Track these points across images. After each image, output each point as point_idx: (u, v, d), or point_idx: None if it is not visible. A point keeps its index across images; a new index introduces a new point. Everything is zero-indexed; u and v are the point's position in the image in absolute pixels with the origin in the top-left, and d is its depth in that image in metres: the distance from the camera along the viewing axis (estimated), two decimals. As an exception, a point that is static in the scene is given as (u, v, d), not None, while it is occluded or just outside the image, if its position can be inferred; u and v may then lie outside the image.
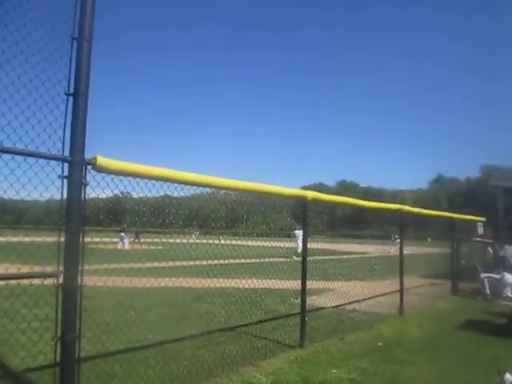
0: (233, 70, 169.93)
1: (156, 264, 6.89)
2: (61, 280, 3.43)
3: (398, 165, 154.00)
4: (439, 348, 6.17)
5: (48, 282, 3.51)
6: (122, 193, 4.80)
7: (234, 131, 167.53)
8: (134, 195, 4.76)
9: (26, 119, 3.43)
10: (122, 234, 29.32)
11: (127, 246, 28.24)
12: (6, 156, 3.27)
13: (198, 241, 6.92)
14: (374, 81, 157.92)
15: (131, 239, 29.89)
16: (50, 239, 3.88)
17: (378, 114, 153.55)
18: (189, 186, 4.84)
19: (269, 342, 6.02)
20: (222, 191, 7.96)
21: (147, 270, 6.65)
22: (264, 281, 7.15)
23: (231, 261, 7.51)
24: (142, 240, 29.87)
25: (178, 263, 6.68)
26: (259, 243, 6.79)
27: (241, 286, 6.13)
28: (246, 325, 6.63)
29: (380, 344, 6.31)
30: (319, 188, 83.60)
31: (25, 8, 3.43)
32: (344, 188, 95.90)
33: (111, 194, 4.43)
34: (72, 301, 3.45)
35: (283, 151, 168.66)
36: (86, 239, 3.56)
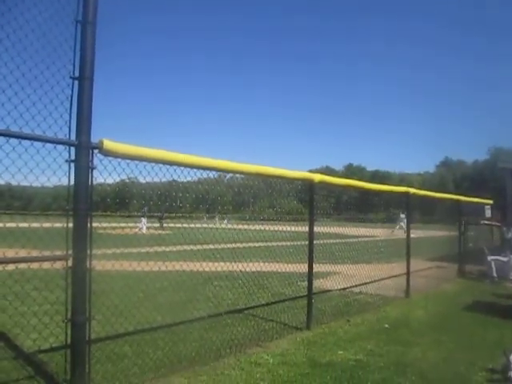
0: (240, 59, 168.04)
1: (165, 248, 6.96)
2: (70, 263, 3.48)
3: (404, 148, 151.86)
4: (445, 329, 6.20)
5: (57, 265, 3.56)
6: (129, 178, 4.81)
7: (241, 116, 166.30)
8: (142, 180, 4.75)
9: (32, 103, 3.45)
10: (143, 218, 29.35)
11: (145, 231, 28.25)
12: (13, 141, 3.29)
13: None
14: (379, 65, 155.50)
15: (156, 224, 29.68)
16: (58, 224, 3.91)
17: (385, 98, 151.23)
18: (195, 170, 4.84)
19: (276, 324, 6.09)
20: (229, 175, 7.97)
21: (156, 253, 6.74)
22: (271, 264, 7.19)
23: (238, 245, 7.57)
24: (164, 225, 29.94)
25: (186, 247, 6.71)
26: (266, 227, 6.77)
27: (248, 270, 6.16)
28: (253, 307, 6.70)
29: (386, 326, 6.36)
30: (326, 171, 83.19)
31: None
32: (351, 172, 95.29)
33: (118, 179, 4.45)
34: (81, 284, 3.50)
35: (290, 135, 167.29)
36: (96, 224, 3.59)
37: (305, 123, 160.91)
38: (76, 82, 3.55)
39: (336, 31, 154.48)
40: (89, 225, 3.56)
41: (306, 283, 6.26)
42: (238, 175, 6.34)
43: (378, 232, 11.17)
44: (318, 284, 6.72)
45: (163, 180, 4.76)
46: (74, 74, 3.57)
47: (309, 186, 6.23)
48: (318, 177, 6.25)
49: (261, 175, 5.53)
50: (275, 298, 7.36)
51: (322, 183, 6.42)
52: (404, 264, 8.96)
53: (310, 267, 6.16)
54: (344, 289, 8.49)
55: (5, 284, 3.85)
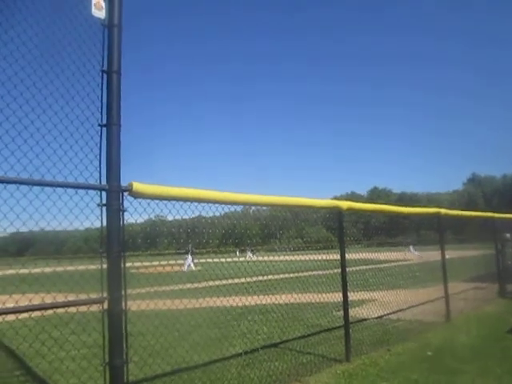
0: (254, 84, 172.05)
1: (197, 285, 6.95)
2: (106, 306, 3.51)
3: (430, 168, 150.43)
4: (491, 354, 5.90)
5: (94, 308, 3.60)
6: (156, 216, 4.90)
7: (261, 148, 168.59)
8: (169, 218, 4.83)
9: (64, 152, 3.57)
10: (188, 255, 29.29)
11: (194, 268, 28.17)
12: (48, 189, 3.41)
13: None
14: (403, 89, 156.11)
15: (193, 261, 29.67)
16: (92, 266, 3.98)
17: (407, 118, 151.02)
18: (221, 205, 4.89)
19: (314, 357, 5.93)
20: (253, 208, 7.97)
21: (188, 290, 6.70)
22: (303, 295, 7.08)
23: (270, 277, 7.50)
24: (195, 261, 30.02)
25: (216, 282, 6.69)
26: (295, 257, 6.70)
27: (281, 302, 6.08)
28: (289, 340, 6.56)
29: (429, 353, 6.11)
30: (351, 197, 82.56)
31: (57, 48, 3.61)
32: (376, 195, 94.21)
33: (146, 218, 4.53)
34: (118, 326, 3.52)
35: (313, 164, 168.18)
36: (128, 264, 3.63)
37: (327, 151, 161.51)
38: (104, 129, 3.68)
39: (353, 54, 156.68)
40: (122, 266, 3.61)
41: (341, 313, 6.11)
42: (264, 208, 6.36)
43: (410, 255, 10.88)
44: (353, 313, 6.55)
45: (190, 216, 4.84)
46: (101, 121, 3.71)
47: (337, 214, 6.18)
48: (345, 204, 6.20)
49: (288, 206, 5.53)
50: (311, 330, 7.20)
51: (351, 210, 6.36)
52: (441, 287, 8.66)
53: (345, 296, 6.04)
54: (381, 316, 8.23)
55: (44, 330, 3.90)
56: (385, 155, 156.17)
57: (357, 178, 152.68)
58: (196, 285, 6.91)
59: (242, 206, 5.75)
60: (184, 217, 4.71)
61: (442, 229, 9.47)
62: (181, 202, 4.34)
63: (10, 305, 3.20)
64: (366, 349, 6.32)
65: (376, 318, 8.06)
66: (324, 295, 6.81)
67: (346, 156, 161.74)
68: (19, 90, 3.29)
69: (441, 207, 10.08)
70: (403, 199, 79.77)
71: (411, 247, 28.78)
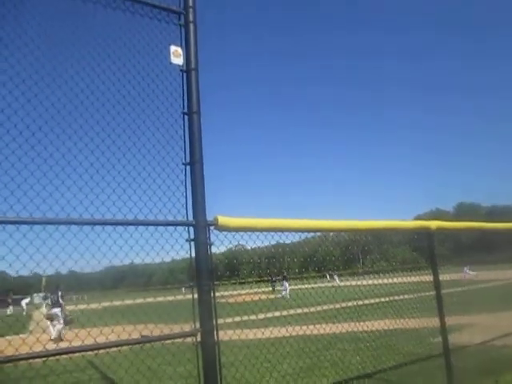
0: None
1: (285, 312, 6.93)
2: (199, 338, 3.60)
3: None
4: None
5: (187, 339, 3.70)
6: (236, 246, 5.00)
7: (337, 170, 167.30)
8: (248, 247, 4.91)
9: (153, 192, 3.81)
10: (285, 282, 29.13)
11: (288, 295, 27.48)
12: (141, 228, 3.64)
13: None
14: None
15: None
16: (180, 297, 4.13)
17: (490, 127, 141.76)
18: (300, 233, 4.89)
19: (412, 389, 5.56)
20: (332, 233, 7.81)
21: (275, 318, 6.68)
22: (394, 320, 6.73)
23: (357, 302, 7.24)
24: (276, 288, 29.87)
25: (300, 310, 6.60)
26: (381, 281, 6.43)
27: (372, 329, 5.83)
28: (383, 370, 6.23)
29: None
30: (436, 214, 78.18)
31: (142, 96, 3.91)
32: (463, 211, 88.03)
33: (226, 248, 4.65)
34: (211, 358, 3.59)
35: (391, 183, 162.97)
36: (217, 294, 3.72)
37: (404, 168, 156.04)
38: (188, 167, 3.88)
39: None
40: (212, 297, 3.70)
41: (438, 339, 5.71)
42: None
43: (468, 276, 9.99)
44: (452, 339, 6.09)
45: (269, 244, 4.89)
46: (185, 160, 3.92)
47: (426, 235, 5.88)
48: (434, 223, 5.88)
49: (372, 230, 5.37)
50: (406, 359, 6.78)
51: (440, 229, 6.02)
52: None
53: (442, 320, 5.65)
54: (484, 342, 7.56)
55: (143, 362, 4.08)
56: (470, 167, 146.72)
57: (441, 194, 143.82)
58: (284, 312, 6.84)
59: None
60: (262, 245, 4.78)
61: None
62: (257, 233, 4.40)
63: (113, 339, 3.41)
64: (470, 379, 5.81)
65: (478, 344, 7.41)
66: (417, 320, 6.43)
67: (426, 173, 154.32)
68: (123, 141, 3.67)
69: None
70: (494, 213, 73.66)
71: (466, 268, 26.33)
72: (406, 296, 7.26)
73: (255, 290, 28.89)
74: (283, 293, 28.20)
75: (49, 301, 17.37)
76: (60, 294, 16.30)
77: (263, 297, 23.28)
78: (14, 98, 3.08)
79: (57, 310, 15.88)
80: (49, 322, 16.12)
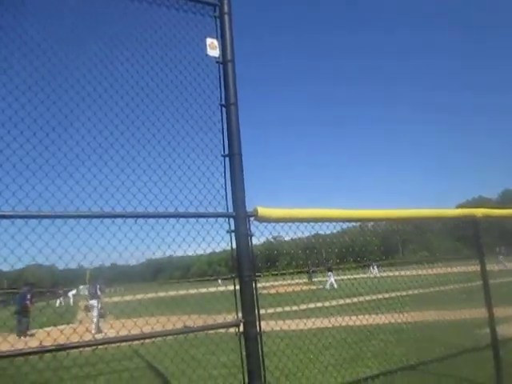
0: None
1: (322, 304, 6.86)
2: (241, 328, 3.63)
3: None
4: None
5: (230, 329, 3.73)
6: (274, 237, 4.99)
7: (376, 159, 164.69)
8: (286, 238, 4.88)
9: (194, 185, 3.85)
10: (329, 273, 29.11)
11: (335, 285, 27.39)
12: (182, 220, 3.69)
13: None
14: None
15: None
16: (221, 288, 4.16)
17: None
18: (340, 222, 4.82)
19: (459, 381, 5.42)
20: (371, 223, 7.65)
21: (316, 309, 6.62)
22: (436, 312, 6.54)
23: (396, 293, 7.09)
24: (314, 279, 29.79)
25: (340, 301, 6.53)
26: (422, 271, 6.24)
27: (416, 320, 5.70)
28: (428, 362, 6.09)
29: None
30: (479, 202, 75.42)
31: (180, 90, 3.94)
32: (509, 198, 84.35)
33: (265, 239, 4.64)
34: (254, 349, 3.60)
35: (433, 170, 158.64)
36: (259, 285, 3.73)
37: (446, 158, 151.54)
38: (227, 159, 3.89)
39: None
40: (254, 288, 3.71)
41: (485, 331, 5.52)
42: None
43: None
44: (500, 331, 5.87)
45: (307, 235, 4.83)
46: (224, 152, 3.93)
47: (472, 223, 5.67)
48: (479, 211, 5.66)
49: (415, 219, 5.22)
50: (451, 351, 6.59)
51: (486, 217, 5.78)
52: None
53: (490, 311, 5.45)
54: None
55: (187, 352, 4.16)
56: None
57: (484, 181, 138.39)
58: (327, 303, 6.79)
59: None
60: (300, 236, 4.73)
61: None
62: (297, 223, 4.36)
63: (158, 329, 3.49)
64: (519, 372, 5.58)
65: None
66: (462, 311, 6.25)
67: (469, 158, 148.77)
68: (162, 135, 3.76)
69: None
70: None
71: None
72: (449, 286, 7.06)
73: (295, 281, 28.74)
74: (327, 283, 28.01)
75: (87, 292, 17.95)
76: (98, 286, 16.79)
77: (305, 287, 23.18)
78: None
79: (94, 302, 16.40)
80: (86, 313, 16.63)
